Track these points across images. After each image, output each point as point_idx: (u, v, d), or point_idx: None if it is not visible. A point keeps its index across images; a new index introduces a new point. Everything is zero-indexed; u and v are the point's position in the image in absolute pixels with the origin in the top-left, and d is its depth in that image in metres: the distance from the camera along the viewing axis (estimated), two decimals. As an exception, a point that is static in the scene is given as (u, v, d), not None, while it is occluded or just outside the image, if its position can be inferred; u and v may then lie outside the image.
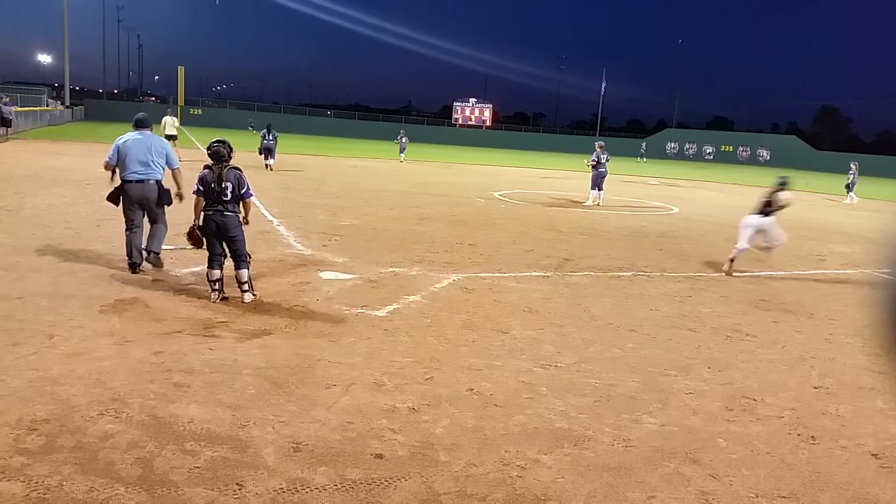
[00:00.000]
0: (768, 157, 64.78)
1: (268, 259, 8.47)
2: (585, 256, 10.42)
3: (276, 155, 21.98)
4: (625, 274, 9.30)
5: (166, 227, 7.73)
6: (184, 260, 8.08)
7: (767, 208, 9.62)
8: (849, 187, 26.30)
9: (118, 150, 7.42)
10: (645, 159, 54.02)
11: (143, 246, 7.50)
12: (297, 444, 3.87)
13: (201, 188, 6.48)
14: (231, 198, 6.49)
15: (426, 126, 74.68)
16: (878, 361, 5.59)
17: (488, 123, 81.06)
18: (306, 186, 17.92)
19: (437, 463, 3.77)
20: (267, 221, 11.45)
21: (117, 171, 7.55)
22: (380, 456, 3.80)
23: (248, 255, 6.72)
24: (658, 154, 64.85)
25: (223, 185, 6.44)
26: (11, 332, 5.36)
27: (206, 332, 5.66)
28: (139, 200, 7.45)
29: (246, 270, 6.63)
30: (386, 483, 3.53)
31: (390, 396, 4.62)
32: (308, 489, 3.42)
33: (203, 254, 6.77)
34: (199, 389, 4.52)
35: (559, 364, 5.49)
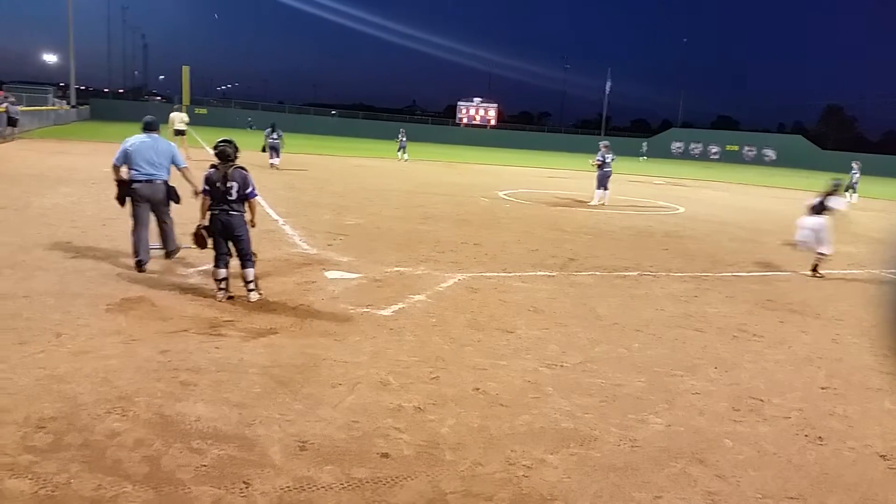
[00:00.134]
0: (774, 157, 64.57)
1: (273, 258, 8.48)
2: (591, 256, 10.41)
3: (280, 154, 22.02)
4: (630, 274, 9.28)
5: (173, 223, 7.92)
6: (190, 259, 8.09)
7: (821, 209, 9.83)
8: (852, 187, 26.17)
9: (126, 153, 7.57)
10: (645, 158, 54.20)
11: (154, 247, 7.74)
12: (303, 442, 3.87)
13: (207, 187, 6.51)
14: (236, 197, 6.50)
15: (430, 125, 74.63)
16: (886, 362, 5.57)
17: (493, 123, 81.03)
18: (311, 186, 17.94)
19: (442, 462, 3.77)
20: (272, 221, 11.46)
21: (123, 172, 7.63)
22: (386, 455, 3.80)
23: (254, 254, 6.73)
24: (663, 154, 64.78)
25: (228, 185, 6.45)
26: (19, 330, 5.38)
27: (212, 331, 5.68)
28: (147, 200, 7.58)
29: (251, 269, 6.65)
30: (392, 482, 3.53)
31: (396, 396, 4.62)
32: (314, 488, 3.42)
33: (209, 253, 6.78)
34: (206, 388, 4.53)
35: (565, 364, 5.49)
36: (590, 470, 3.80)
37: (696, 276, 9.41)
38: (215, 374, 4.76)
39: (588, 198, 18.52)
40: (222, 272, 6.58)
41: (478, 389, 4.84)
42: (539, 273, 8.93)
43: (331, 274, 8.01)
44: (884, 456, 4.26)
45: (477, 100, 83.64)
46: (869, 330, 7.04)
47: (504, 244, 10.88)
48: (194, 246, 6.88)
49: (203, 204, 6.58)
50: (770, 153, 65.53)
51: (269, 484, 3.42)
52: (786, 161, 61.74)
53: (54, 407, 4.09)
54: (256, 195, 6.77)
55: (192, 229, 6.77)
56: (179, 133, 22.51)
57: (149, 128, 7.82)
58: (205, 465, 3.55)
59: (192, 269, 7.71)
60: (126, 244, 7.65)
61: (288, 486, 3.42)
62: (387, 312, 6.55)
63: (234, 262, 6.67)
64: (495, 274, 8.67)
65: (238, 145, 6.75)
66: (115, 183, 7.64)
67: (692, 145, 69.47)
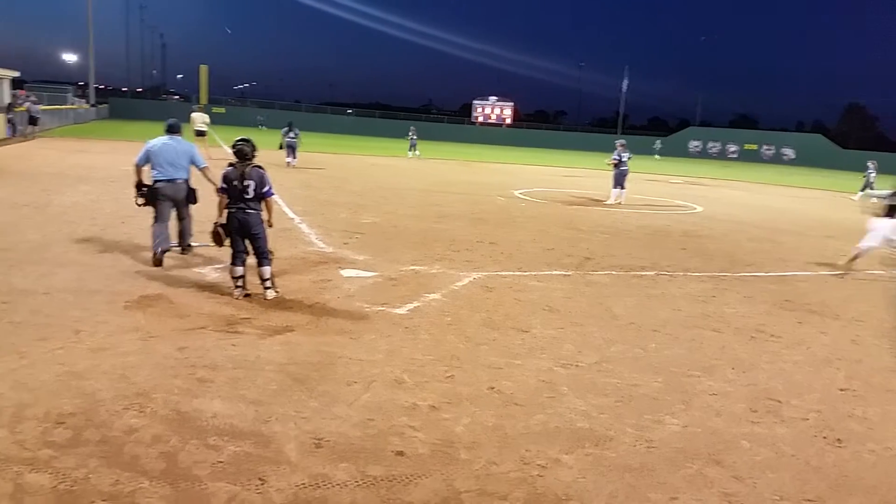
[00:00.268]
0: (793, 156, 63.83)
1: (289, 256, 8.53)
2: (607, 255, 10.35)
3: (297, 153, 22.11)
4: (647, 273, 9.22)
5: (192, 220, 8.26)
6: (207, 257, 8.17)
7: (892, 210, 9.62)
8: (869, 186, 25.79)
9: (148, 154, 7.81)
10: (659, 156, 53.80)
11: (173, 244, 8.02)
12: (318, 440, 3.89)
13: (225, 186, 6.56)
14: (253, 196, 6.54)
15: (446, 124, 74.55)
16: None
17: (508, 121, 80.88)
18: (327, 184, 18.01)
19: (457, 461, 3.77)
20: (289, 219, 11.52)
21: (144, 171, 7.83)
22: (401, 453, 3.81)
23: (271, 252, 6.77)
24: (681, 152, 64.24)
25: (245, 184, 6.50)
26: (39, 326, 5.45)
27: (229, 329, 5.72)
28: (170, 198, 7.85)
29: (268, 267, 6.69)
30: (407, 480, 3.53)
31: (411, 394, 4.63)
32: (329, 485, 3.44)
33: (226, 251, 6.84)
34: (223, 385, 4.56)
35: (580, 363, 5.47)
36: (605, 470, 3.79)
37: (713, 276, 9.33)
38: (232, 371, 4.80)
39: (604, 196, 18.44)
40: (239, 270, 6.63)
41: (493, 388, 4.83)
42: (555, 272, 8.90)
43: (346, 272, 8.04)
44: (905, 459, 4.20)
45: (492, 98, 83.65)
46: (890, 331, 6.94)
47: (520, 243, 10.86)
48: (212, 243, 6.94)
49: (220, 202, 6.63)
50: (789, 152, 64.73)
51: (285, 481, 3.44)
52: (805, 160, 60.97)
53: (73, 403, 4.14)
54: (273, 194, 6.80)
55: (210, 227, 6.83)
56: (200, 134, 22.46)
57: (172, 130, 8.05)
58: (221, 462, 3.58)
59: (209, 267, 7.78)
60: (144, 242, 7.75)
61: (303, 483, 3.43)
62: (402, 311, 6.56)
63: (251, 261, 6.71)
64: (511, 273, 8.65)
65: (255, 144, 6.80)
66: (135, 186, 7.79)
67: (710, 144, 68.82)
